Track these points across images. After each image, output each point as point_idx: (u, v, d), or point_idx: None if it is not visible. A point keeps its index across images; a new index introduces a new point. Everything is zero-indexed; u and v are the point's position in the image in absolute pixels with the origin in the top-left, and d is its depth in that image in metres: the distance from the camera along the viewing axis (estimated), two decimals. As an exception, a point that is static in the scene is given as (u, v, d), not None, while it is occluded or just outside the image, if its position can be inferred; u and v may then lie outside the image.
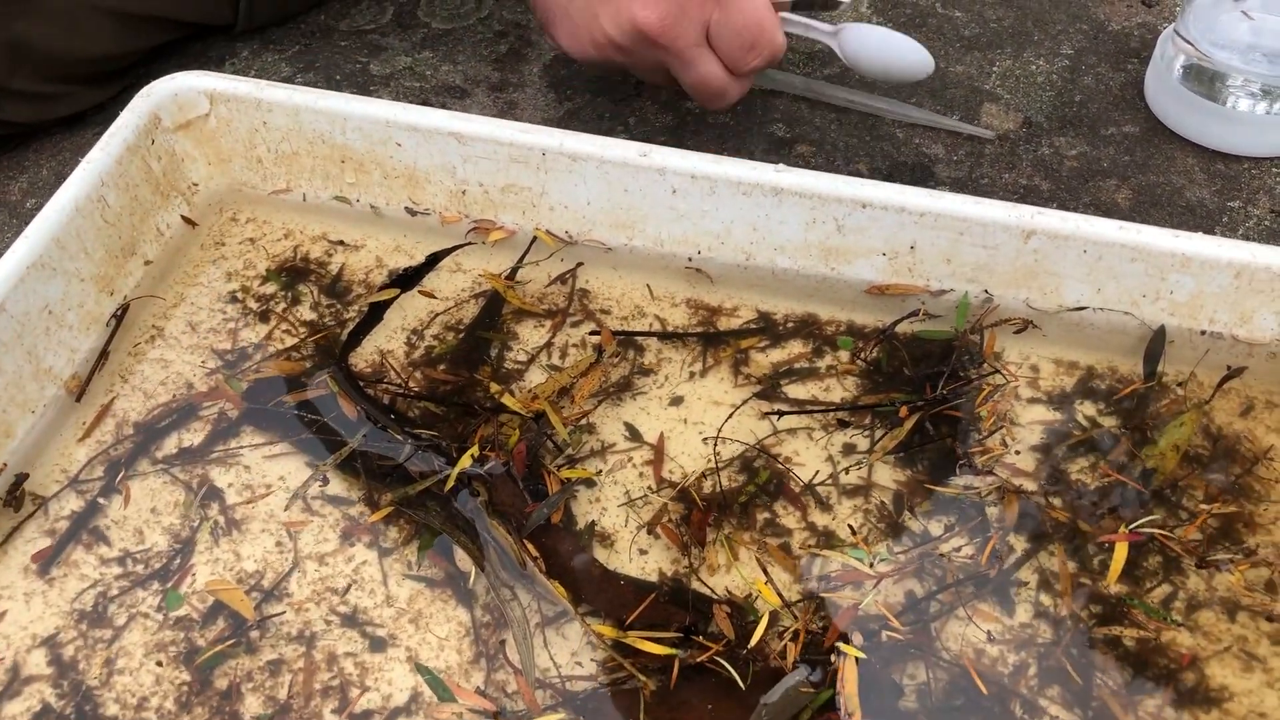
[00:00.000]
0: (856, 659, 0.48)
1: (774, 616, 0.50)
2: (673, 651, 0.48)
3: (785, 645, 0.49)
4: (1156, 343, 0.57)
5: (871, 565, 0.50)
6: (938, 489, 0.54)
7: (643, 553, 0.53)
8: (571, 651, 0.50)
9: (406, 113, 0.62)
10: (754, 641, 0.49)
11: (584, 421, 0.57)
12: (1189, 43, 0.69)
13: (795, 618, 0.50)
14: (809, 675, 0.48)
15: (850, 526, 0.52)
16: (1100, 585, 0.51)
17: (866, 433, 0.56)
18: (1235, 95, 0.68)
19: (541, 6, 0.64)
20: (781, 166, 0.59)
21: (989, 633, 0.49)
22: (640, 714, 0.47)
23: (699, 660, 0.48)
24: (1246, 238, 0.66)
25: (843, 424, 0.56)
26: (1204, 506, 0.53)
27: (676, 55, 0.59)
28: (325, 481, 0.55)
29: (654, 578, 0.52)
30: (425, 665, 0.49)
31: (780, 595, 0.50)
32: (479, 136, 0.61)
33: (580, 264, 0.63)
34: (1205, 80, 0.69)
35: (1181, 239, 0.55)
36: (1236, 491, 0.54)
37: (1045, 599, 0.51)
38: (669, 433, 0.57)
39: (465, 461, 0.54)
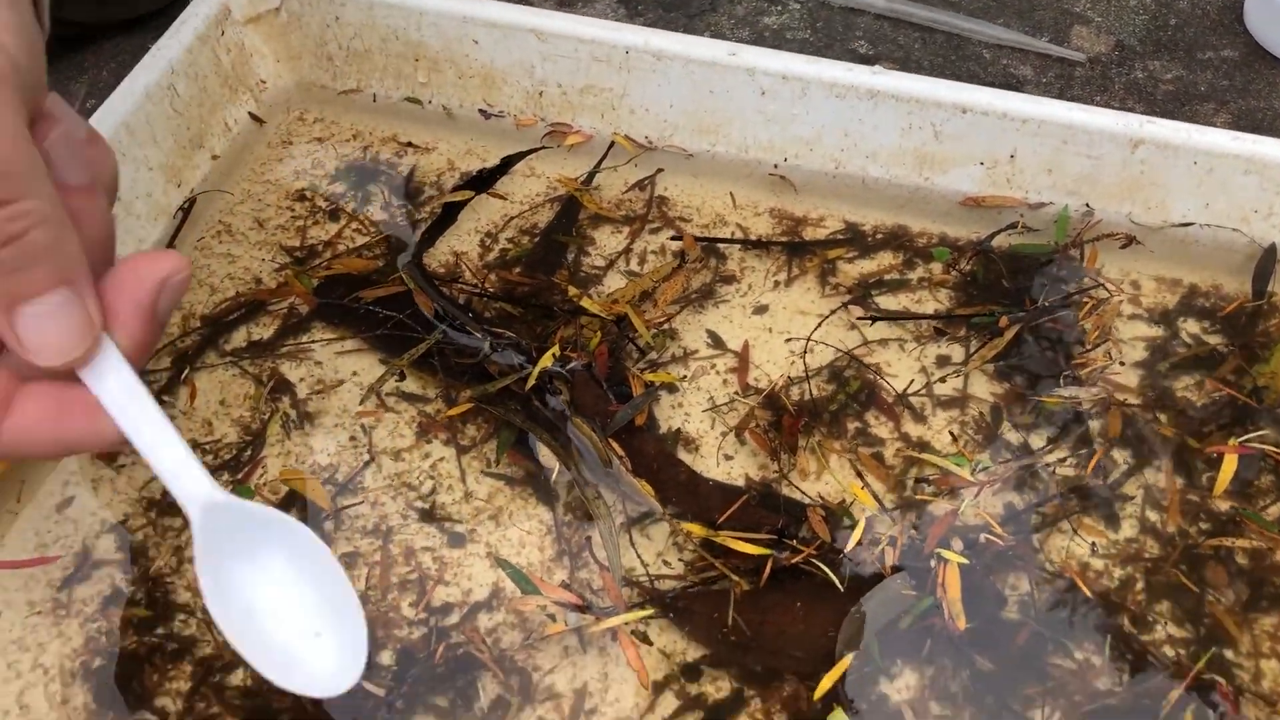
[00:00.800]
0: (959, 565, 0.46)
1: (869, 523, 0.48)
2: (766, 552, 0.46)
3: (883, 550, 0.47)
4: (1267, 261, 0.55)
5: (972, 473, 0.48)
6: (1041, 399, 0.51)
7: (728, 458, 0.51)
8: (657, 552, 0.48)
9: (485, 8, 0.60)
10: (851, 545, 0.47)
11: (666, 327, 0.55)
12: (1294, -37, 0.66)
13: (893, 522, 0.48)
14: (909, 580, 0.46)
15: (951, 434, 0.50)
16: (1209, 501, 0.49)
17: (962, 344, 0.54)
18: (1341, 19, 0.66)
19: None
20: (879, 68, 0.56)
21: (1093, 545, 0.47)
22: (730, 614, 0.45)
23: (793, 562, 0.46)
24: (1351, 165, 0.63)
25: (938, 333, 0.54)
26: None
27: None
28: (402, 377, 0.53)
29: (740, 484, 0.50)
30: (506, 560, 0.47)
31: (878, 500, 0.48)
32: (560, 33, 0.59)
33: (660, 170, 0.61)
34: (1309, 3, 0.66)
35: (1300, 150, 0.53)
36: (1351, 412, 0.51)
37: (1151, 514, 0.49)
38: (753, 341, 0.55)
39: (547, 360, 0.52)
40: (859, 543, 0.47)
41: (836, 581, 0.45)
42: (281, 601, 0.35)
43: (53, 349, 0.31)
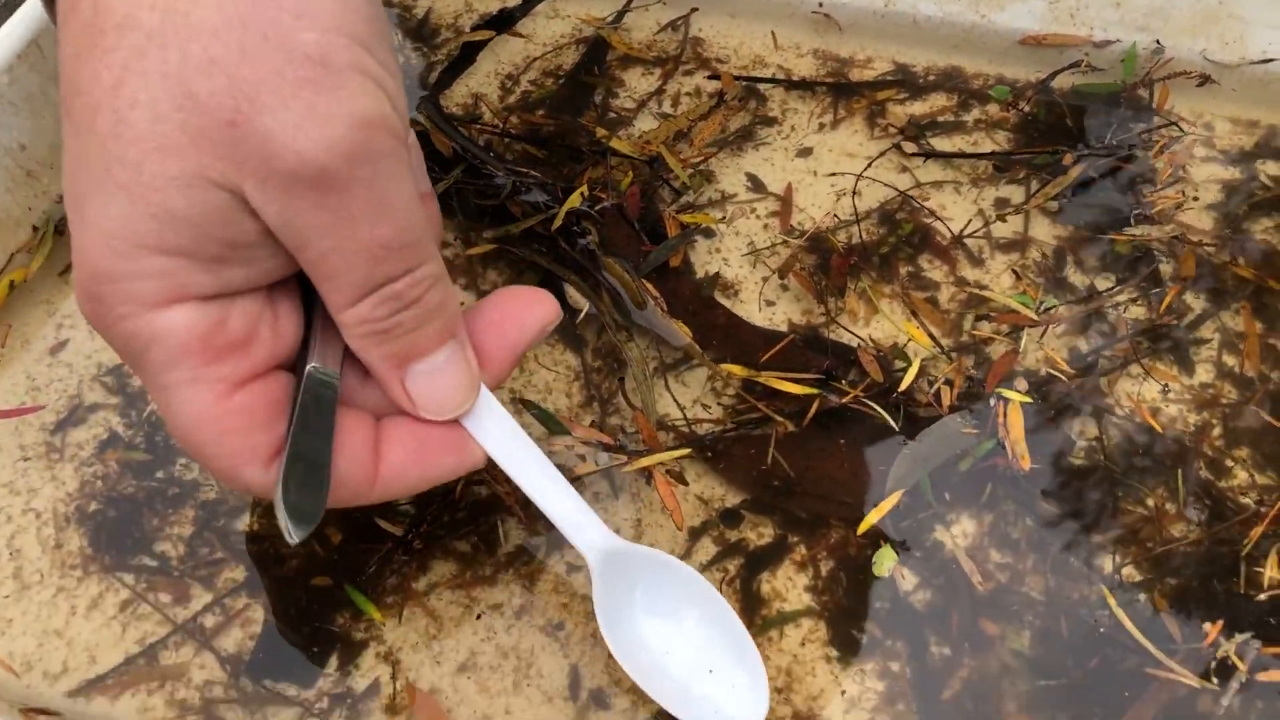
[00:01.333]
0: (1023, 404, 0.42)
1: (924, 366, 0.44)
2: (813, 391, 0.43)
3: (939, 390, 0.43)
4: (1353, 97, 0.50)
5: (1036, 312, 0.44)
6: (1109, 237, 0.48)
7: (770, 304, 0.47)
8: (694, 398, 0.45)
9: None
10: (905, 383, 0.43)
11: (702, 168, 0.51)
12: None
13: (950, 362, 0.44)
14: (970, 420, 0.42)
15: (1014, 272, 0.47)
16: (1293, 346, 0.45)
17: (1022, 185, 0.50)
18: None
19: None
20: (933, -111, 0.52)
21: (1165, 387, 0.44)
22: (771, 456, 0.42)
23: (842, 403, 0.43)
24: None
25: (998, 170, 0.50)
26: None
27: None
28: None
29: (784, 329, 0.46)
30: (532, 401, 0.44)
31: (934, 338, 0.45)
32: None
33: (694, 9, 0.57)
34: None
35: (1397, -29, 0.48)
36: None
37: (1229, 359, 0.45)
38: (796, 184, 0.51)
39: (575, 200, 0.48)
40: (912, 383, 0.43)
41: (890, 421, 0.42)
42: (676, 639, 0.37)
43: (442, 404, 0.33)
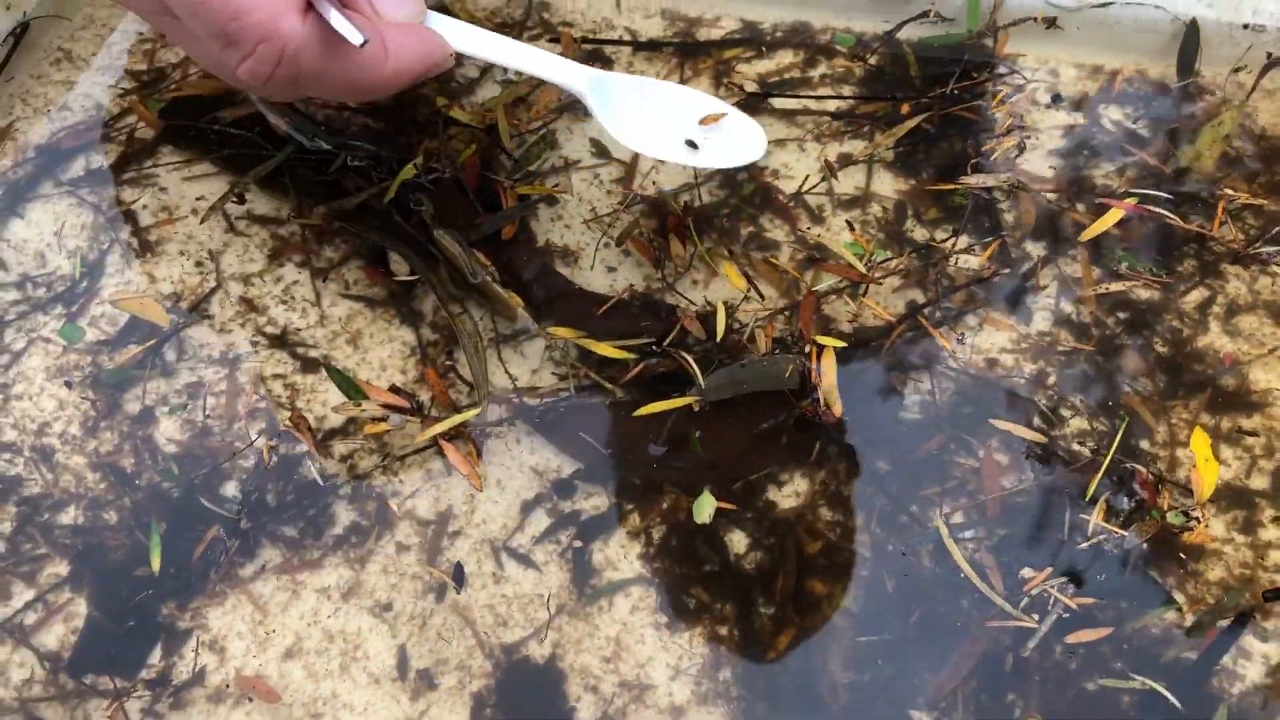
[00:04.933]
0: (836, 350, 0.42)
1: (765, 321, 0.44)
2: (629, 356, 0.42)
3: (752, 332, 0.43)
4: (1190, 38, 0.50)
5: (869, 266, 0.44)
6: (947, 187, 0.47)
7: (611, 270, 0.47)
8: (532, 369, 0.44)
9: None
10: (719, 335, 0.43)
11: (544, 134, 0.50)
12: None
13: (770, 310, 0.44)
14: (788, 362, 0.42)
15: (849, 222, 0.46)
16: (1132, 290, 0.45)
17: (866, 140, 0.50)
18: None
19: None
20: None
21: (961, 336, 0.43)
22: (602, 427, 0.42)
23: (660, 366, 0.42)
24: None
25: (835, 117, 0.49)
26: (1245, 198, 0.46)
27: (141, 17, 0.39)
28: (241, 199, 0.48)
29: (624, 292, 0.46)
30: (335, 367, 0.43)
31: (755, 289, 0.44)
32: None
33: (540, -27, 0.56)
34: None
35: (1228, -92, 0.48)
36: (1282, 192, 0.47)
37: (1066, 305, 0.45)
38: (641, 148, 0.50)
39: (408, 172, 0.47)
40: (744, 341, 0.43)
41: (699, 377, 0.41)
42: (670, 120, 0.43)
43: (402, 5, 0.37)
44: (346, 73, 0.35)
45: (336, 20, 0.34)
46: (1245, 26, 0.50)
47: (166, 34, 0.37)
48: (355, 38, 0.34)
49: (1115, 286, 0.44)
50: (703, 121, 0.43)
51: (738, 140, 0.43)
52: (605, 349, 0.42)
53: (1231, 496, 0.40)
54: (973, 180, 0.47)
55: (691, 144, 0.43)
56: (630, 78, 0.43)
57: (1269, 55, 0.50)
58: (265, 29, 0.32)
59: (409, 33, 0.37)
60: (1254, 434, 0.41)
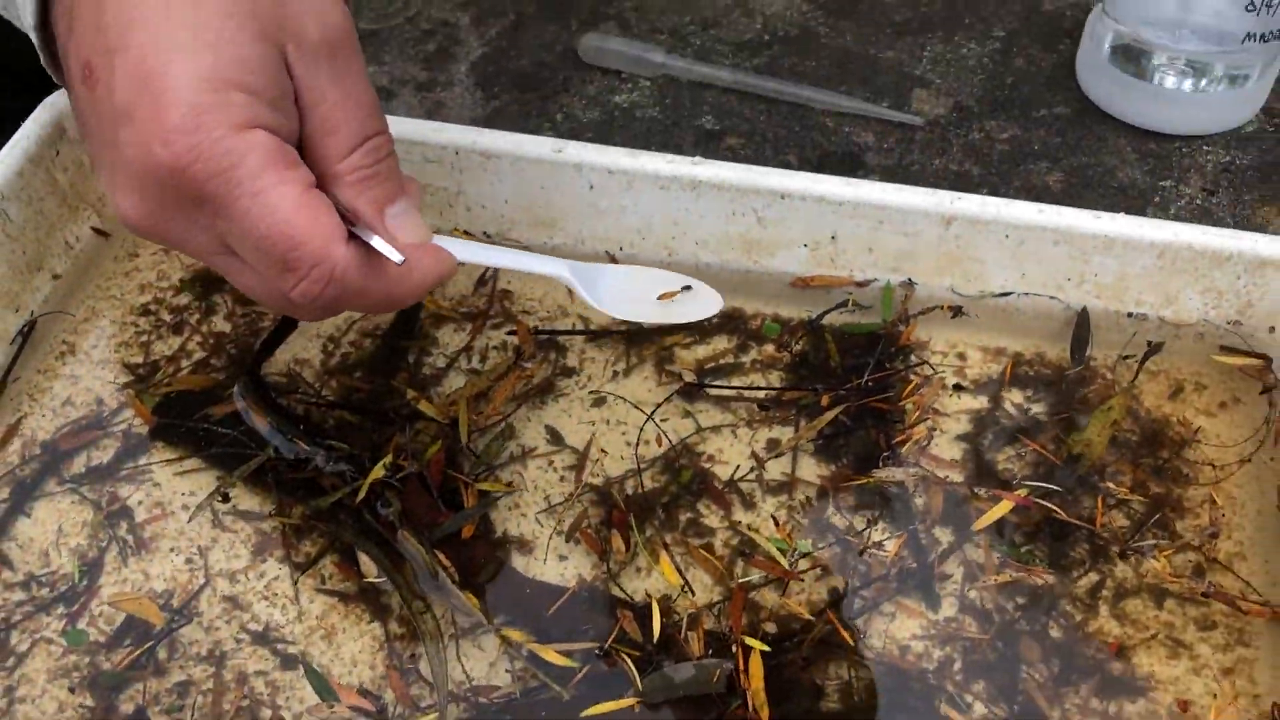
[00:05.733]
0: (763, 653, 0.46)
1: (695, 619, 0.49)
2: (573, 664, 0.47)
3: (687, 637, 0.47)
4: (1082, 326, 0.56)
5: (793, 563, 0.49)
6: (860, 481, 0.53)
7: (563, 559, 0.52)
8: (490, 663, 0.49)
9: (317, 115, 0.60)
10: (655, 635, 0.47)
11: (503, 426, 0.56)
12: (1117, 20, 0.68)
13: (701, 613, 0.48)
14: (715, 667, 0.46)
15: (774, 519, 0.51)
16: (1029, 576, 0.50)
17: (792, 426, 0.55)
18: (1164, 73, 0.67)
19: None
20: (699, 159, 0.57)
21: (847, 639, 0.48)
22: (556, 725, 0.46)
23: (610, 668, 0.47)
24: (1178, 217, 0.65)
25: (762, 407, 0.55)
26: (1125, 492, 0.52)
27: (200, 260, 0.44)
28: (226, 498, 0.53)
29: (573, 584, 0.51)
30: (312, 666, 0.47)
31: (687, 584, 0.49)
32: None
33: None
34: (1134, 58, 0.68)
35: (1103, 220, 0.54)
36: (1164, 475, 0.53)
37: (971, 592, 0.50)
38: (592, 434, 0.56)
39: (378, 472, 0.52)
40: (683, 638, 0.48)
41: (637, 682, 0.46)
42: (640, 286, 0.50)
43: (416, 232, 0.44)
44: (381, 287, 0.42)
45: (378, 243, 0.42)
46: (1129, 315, 0.56)
47: (220, 270, 0.43)
48: (396, 256, 0.42)
49: (1012, 575, 0.49)
50: (662, 297, 0.50)
51: (699, 298, 0.51)
52: (551, 654, 0.47)
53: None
54: (883, 474, 0.52)
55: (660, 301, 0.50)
56: (601, 265, 0.50)
57: (1149, 343, 0.56)
58: (319, 255, 0.40)
59: (424, 250, 0.43)
60: None
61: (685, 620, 0.48)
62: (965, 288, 0.57)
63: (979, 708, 0.46)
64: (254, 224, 0.39)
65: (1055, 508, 0.50)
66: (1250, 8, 0.62)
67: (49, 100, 0.62)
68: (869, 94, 0.73)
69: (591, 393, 0.57)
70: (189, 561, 0.52)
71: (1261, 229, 0.64)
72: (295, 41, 0.39)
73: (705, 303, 0.50)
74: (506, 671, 0.48)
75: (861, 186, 0.56)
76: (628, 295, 0.50)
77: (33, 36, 0.42)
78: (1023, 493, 0.50)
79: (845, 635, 0.48)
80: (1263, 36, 0.64)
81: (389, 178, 0.43)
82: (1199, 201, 0.66)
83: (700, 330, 0.59)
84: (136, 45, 0.38)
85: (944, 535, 0.51)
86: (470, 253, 0.46)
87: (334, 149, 0.41)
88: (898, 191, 0.56)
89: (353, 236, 0.41)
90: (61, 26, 0.40)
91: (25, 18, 0.42)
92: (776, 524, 0.51)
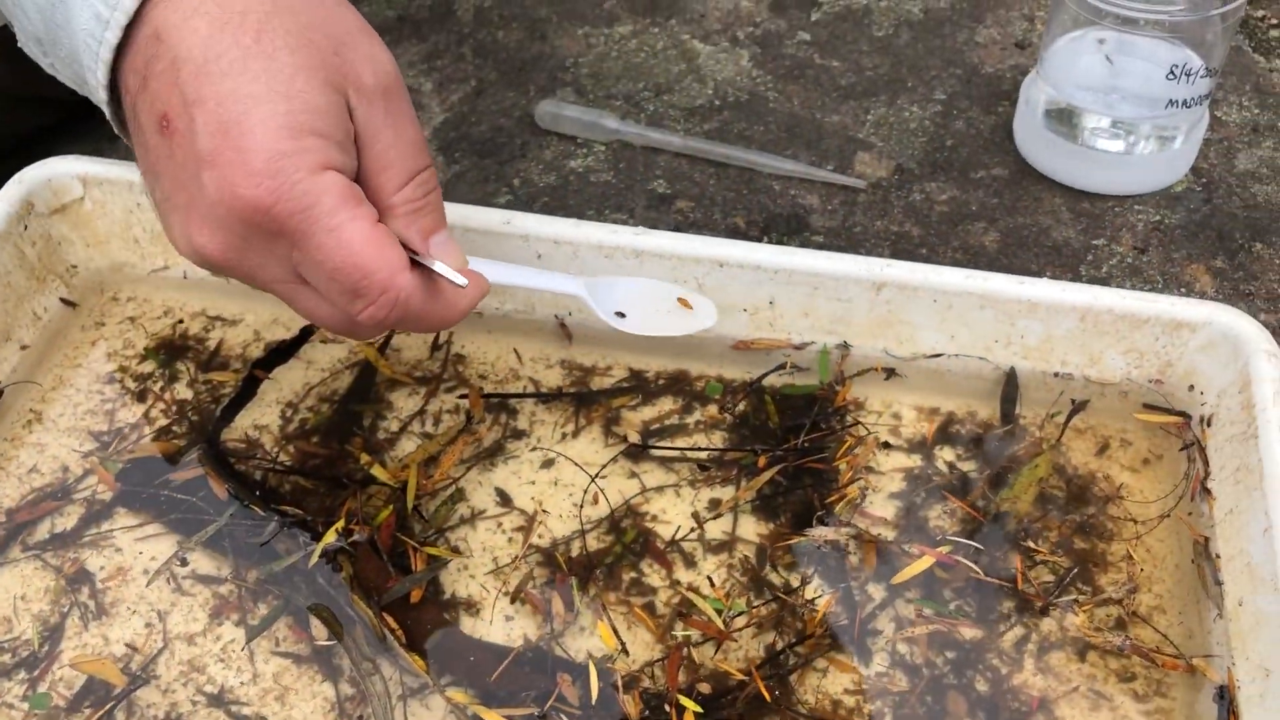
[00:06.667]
0: (696, 714, 0.48)
1: (636, 678, 0.51)
2: (520, 726, 0.49)
3: (625, 701, 0.49)
4: (1010, 386, 0.58)
5: (727, 622, 0.51)
6: (796, 539, 0.55)
7: (509, 619, 0.53)
8: (436, 722, 0.50)
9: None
10: (594, 699, 0.49)
11: (453, 489, 0.58)
12: (1050, 85, 0.71)
13: (640, 674, 0.50)
14: None
15: (710, 579, 0.53)
16: (956, 630, 0.52)
17: (732, 485, 0.57)
18: (1096, 135, 0.70)
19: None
20: (641, 229, 0.60)
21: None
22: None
23: (554, 727, 0.49)
24: (1110, 275, 0.68)
25: (702, 467, 0.57)
26: (1046, 551, 0.54)
27: (266, 289, 0.48)
28: (184, 562, 0.55)
29: (519, 644, 0.52)
30: None
31: (623, 646, 0.51)
32: (347, 210, 0.62)
33: (452, 331, 0.64)
34: (1067, 121, 0.71)
35: (1026, 285, 0.57)
36: (1088, 531, 0.55)
37: (902, 647, 0.51)
38: (540, 496, 0.58)
39: (330, 536, 0.54)
40: (620, 699, 0.49)
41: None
42: (645, 300, 0.56)
43: (458, 259, 0.48)
44: (438, 309, 0.47)
45: (441, 268, 0.47)
46: (1055, 374, 0.58)
47: (284, 296, 0.47)
48: (460, 280, 0.47)
49: (939, 629, 0.51)
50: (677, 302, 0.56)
51: (699, 309, 0.56)
52: (494, 717, 0.49)
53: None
54: (817, 532, 0.54)
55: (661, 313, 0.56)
56: (613, 279, 0.56)
57: (1073, 401, 0.58)
58: (386, 283, 0.44)
59: (468, 275, 0.48)
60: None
61: (622, 682, 0.50)
62: (898, 350, 0.60)
63: (907, 761, 0.48)
64: (328, 256, 0.43)
65: (974, 566, 0.52)
66: (1170, 76, 0.65)
67: (18, 176, 0.64)
68: (815, 157, 0.75)
69: (541, 454, 0.59)
70: (148, 625, 0.54)
71: (1189, 286, 0.67)
72: (355, 87, 0.44)
73: (704, 314, 0.56)
74: (452, 732, 0.50)
75: (796, 254, 0.58)
76: (638, 308, 0.55)
77: (100, 94, 0.46)
78: (945, 549, 0.52)
79: (778, 692, 0.49)
80: (1184, 102, 0.66)
81: (435, 209, 0.47)
82: (1130, 260, 0.68)
83: (646, 392, 0.61)
84: (214, 97, 0.42)
85: (876, 591, 0.53)
86: (496, 274, 0.51)
87: (388, 184, 0.46)
88: (830, 259, 0.58)
89: (413, 264, 0.46)
90: (132, 84, 0.45)
91: (94, 78, 0.46)
92: (712, 584, 0.53)
